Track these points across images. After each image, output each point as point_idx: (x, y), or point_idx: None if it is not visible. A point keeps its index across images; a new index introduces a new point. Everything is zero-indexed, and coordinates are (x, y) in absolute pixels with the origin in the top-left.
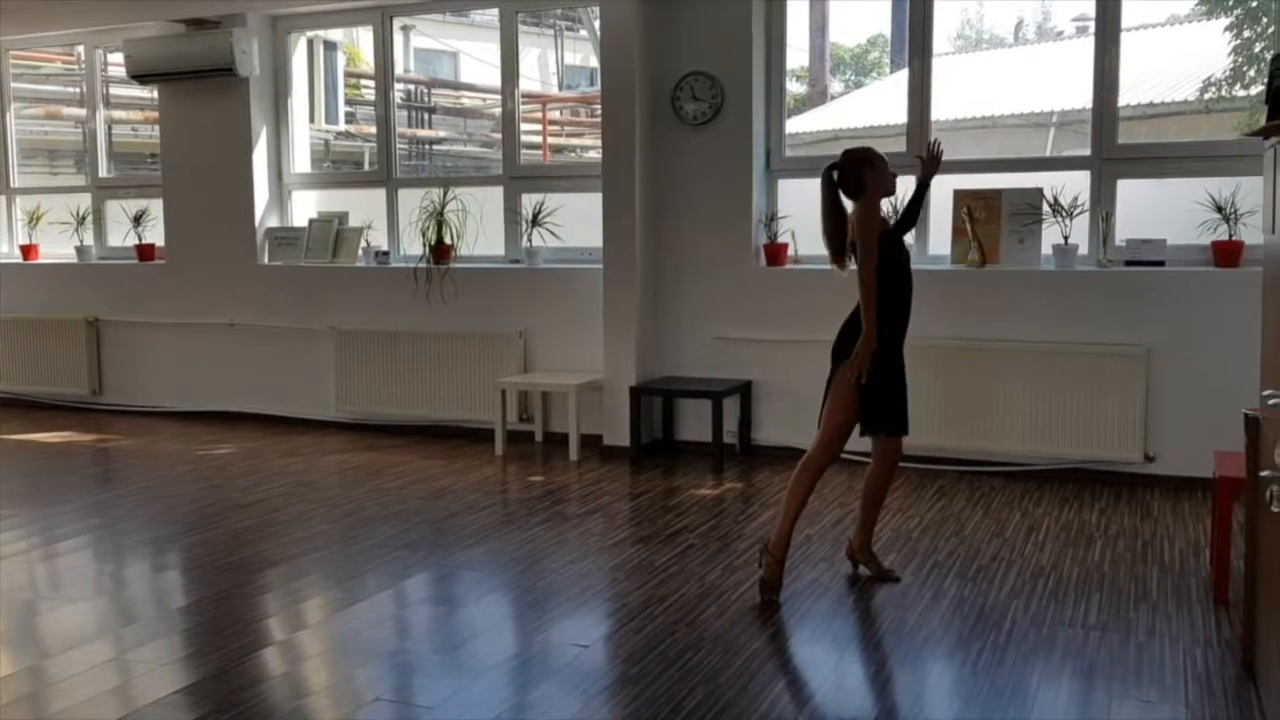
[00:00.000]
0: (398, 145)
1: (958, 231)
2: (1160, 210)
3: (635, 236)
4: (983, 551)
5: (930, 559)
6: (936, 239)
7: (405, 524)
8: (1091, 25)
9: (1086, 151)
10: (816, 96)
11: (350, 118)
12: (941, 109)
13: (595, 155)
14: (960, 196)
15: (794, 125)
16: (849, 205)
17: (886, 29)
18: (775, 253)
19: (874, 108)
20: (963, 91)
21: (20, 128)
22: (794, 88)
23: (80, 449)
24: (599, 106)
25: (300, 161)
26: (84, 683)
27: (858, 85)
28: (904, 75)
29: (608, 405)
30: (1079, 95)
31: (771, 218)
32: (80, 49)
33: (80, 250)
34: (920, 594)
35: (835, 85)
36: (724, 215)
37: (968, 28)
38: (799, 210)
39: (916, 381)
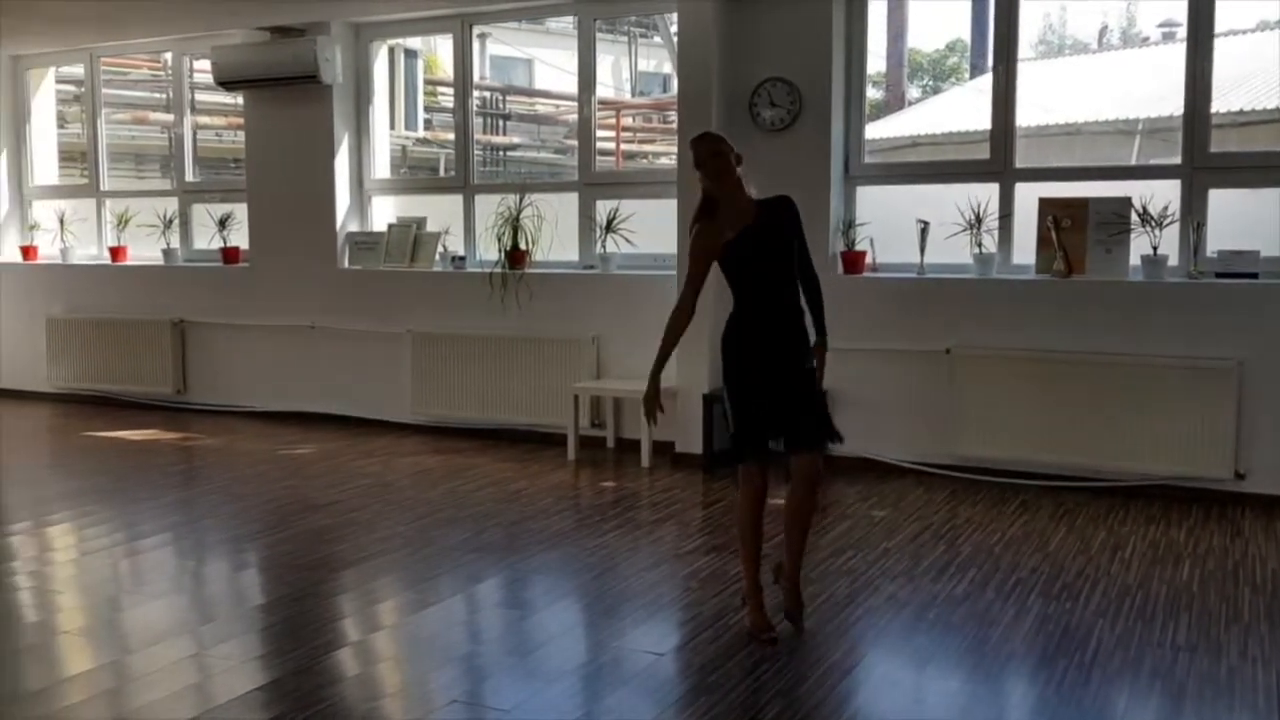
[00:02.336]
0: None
1: (1042, 240)
2: (1254, 221)
3: None
4: (1067, 569)
5: (1013, 575)
6: (1021, 248)
7: (479, 527)
8: (1179, 31)
9: (1176, 160)
10: (894, 102)
11: (427, 124)
12: (1024, 115)
13: (667, 162)
14: (1045, 205)
15: (871, 131)
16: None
17: (966, 34)
18: (853, 260)
19: (953, 113)
20: (1046, 98)
21: (109, 132)
22: (870, 93)
23: (164, 447)
24: (672, 113)
25: (380, 167)
26: (163, 679)
27: (935, 91)
28: (984, 81)
29: (680, 412)
30: (1166, 102)
31: (849, 225)
32: (168, 56)
33: (167, 253)
34: (1003, 610)
35: (913, 91)
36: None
37: (1050, 33)
38: (878, 217)
39: (998, 392)
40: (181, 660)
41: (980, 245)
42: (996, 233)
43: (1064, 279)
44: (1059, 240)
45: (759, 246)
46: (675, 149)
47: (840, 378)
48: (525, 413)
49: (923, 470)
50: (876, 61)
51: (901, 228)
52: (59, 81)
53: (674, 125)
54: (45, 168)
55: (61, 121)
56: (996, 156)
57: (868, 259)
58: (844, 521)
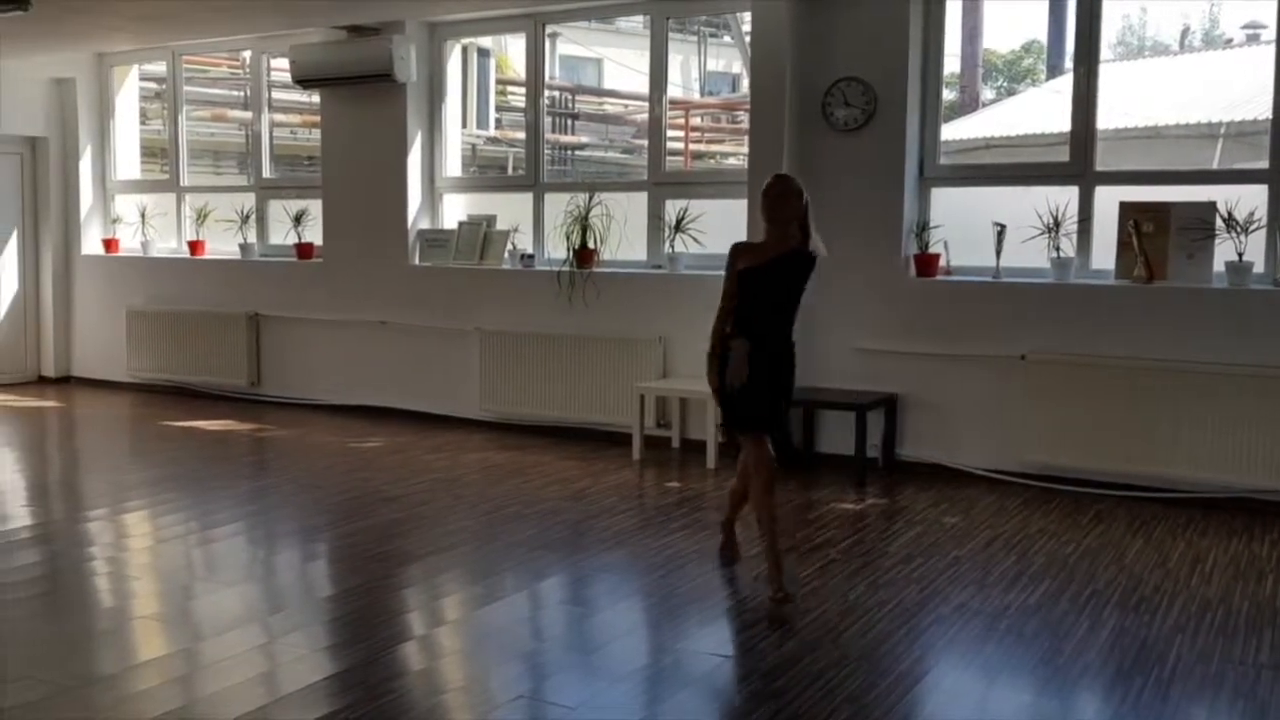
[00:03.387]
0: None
1: (1123, 245)
2: None
3: None
4: (1144, 581)
5: (1088, 587)
6: (1100, 252)
7: (544, 524)
8: (1264, 33)
9: (1263, 164)
10: (968, 103)
11: (497, 123)
12: (1104, 118)
13: (735, 162)
14: (1126, 209)
15: (944, 133)
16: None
17: (1042, 35)
18: (926, 263)
19: (1028, 115)
20: (1126, 100)
21: (189, 129)
22: (944, 94)
23: (238, 438)
24: (740, 113)
25: (451, 165)
26: (234, 667)
27: (1010, 92)
28: (1061, 82)
29: None
30: (1252, 105)
31: (923, 227)
32: (247, 54)
33: (243, 247)
34: (1077, 623)
35: (987, 92)
36: (873, 224)
37: (1129, 34)
38: (952, 220)
39: (1074, 399)
40: (251, 649)
41: (1058, 249)
42: (1075, 237)
43: (1145, 285)
44: (1140, 245)
45: (783, 275)
46: (745, 149)
47: (911, 382)
48: (591, 411)
49: (995, 477)
50: (950, 62)
51: (976, 231)
52: (142, 79)
53: (742, 125)
54: (128, 163)
55: (144, 118)
56: (1076, 159)
57: (941, 262)
58: (914, 528)
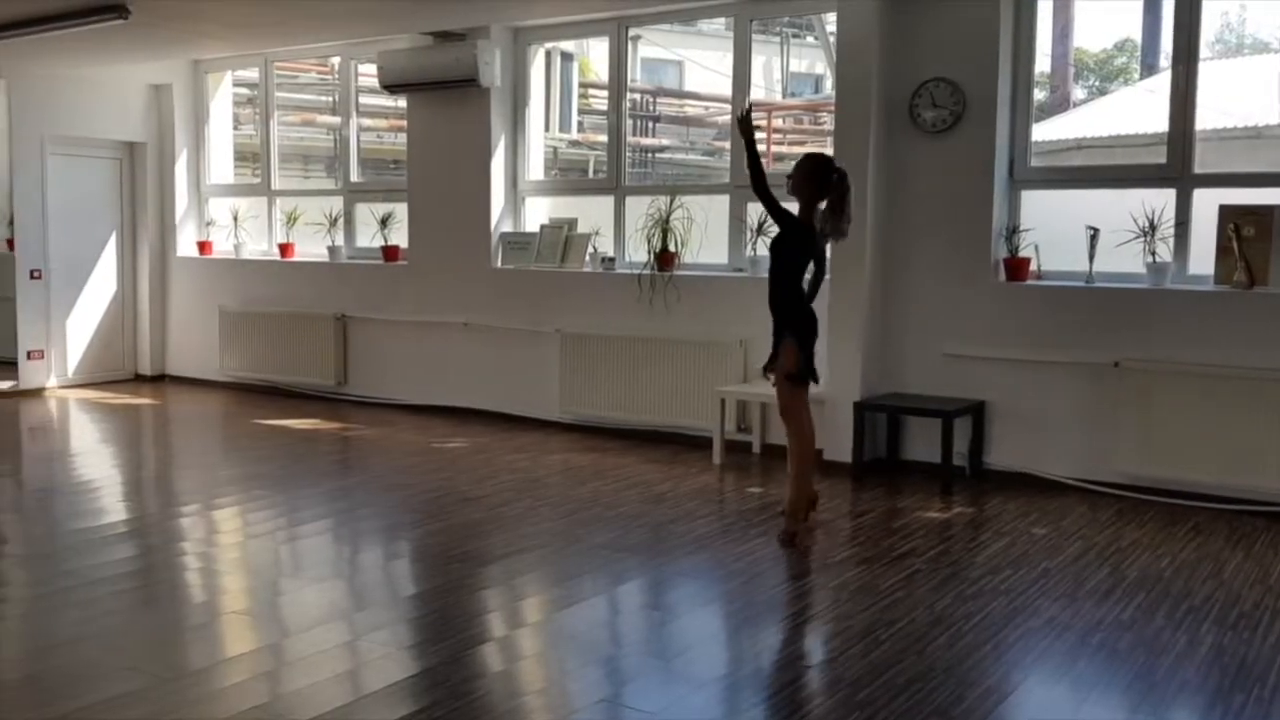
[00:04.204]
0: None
1: (1223, 250)
2: None
3: (865, 247)
4: (1244, 598)
5: (1184, 602)
6: (1198, 257)
7: (624, 527)
8: None
9: None
10: (1058, 103)
11: (579, 126)
12: (1202, 118)
13: None
14: (1226, 212)
15: (1034, 133)
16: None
17: (1136, 33)
18: (1016, 267)
19: (1121, 115)
20: (1225, 99)
21: (279, 134)
22: (1034, 94)
23: (325, 436)
24: (823, 114)
25: (534, 168)
26: (319, 664)
27: (1102, 92)
28: (1155, 81)
29: (829, 420)
30: None
31: (1013, 230)
32: (336, 60)
33: (331, 250)
34: (1173, 639)
35: (1078, 92)
36: (961, 227)
37: (1227, 31)
38: (1044, 223)
39: (1169, 408)
40: (336, 646)
41: (1154, 253)
42: (1172, 241)
43: (1245, 290)
44: (1241, 250)
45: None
46: (830, 151)
47: (1000, 389)
48: (671, 415)
49: (1086, 487)
50: (1040, 61)
51: (1068, 234)
52: (235, 85)
53: (825, 127)
54: (221, 167)
55: (236, 123)
56: (1174, 161)
57: (1032, 266)
58: (1002, 538)
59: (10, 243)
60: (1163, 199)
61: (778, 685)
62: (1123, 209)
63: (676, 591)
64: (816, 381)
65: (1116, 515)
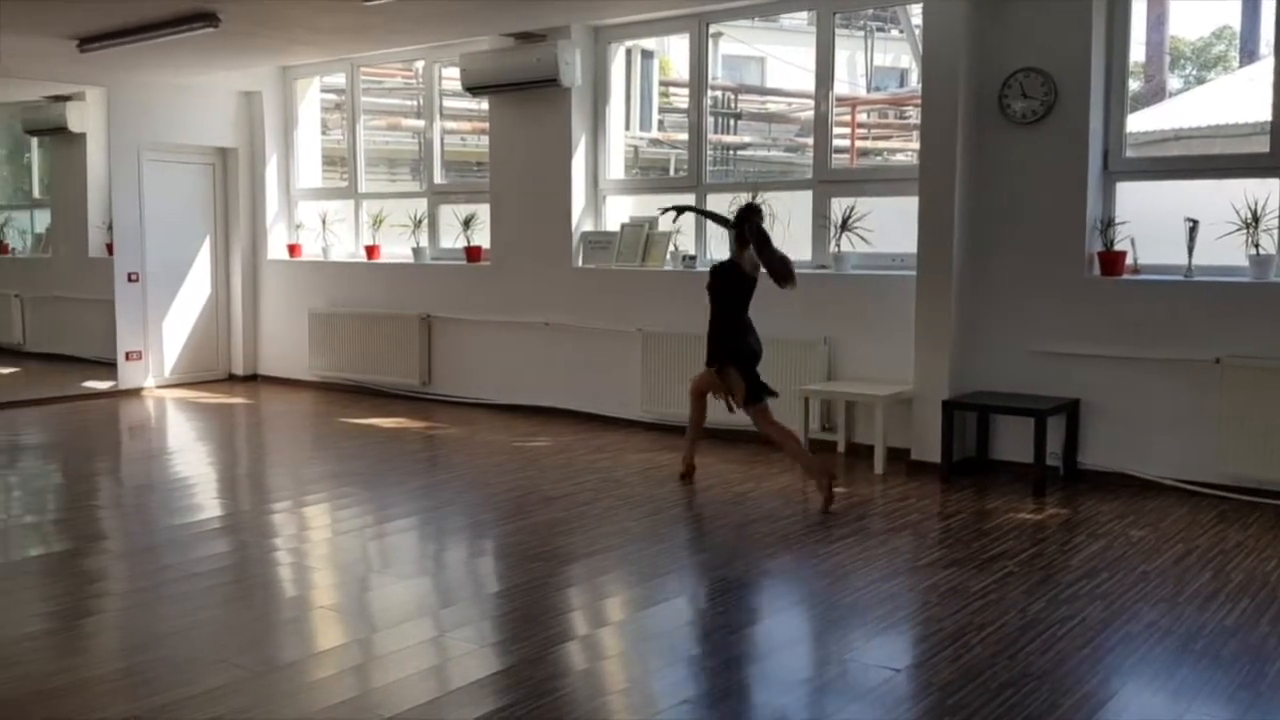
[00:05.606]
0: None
1: None
2: None
3: (953, 242)
4: None
5: None
6: None
7: (706, 527)
8: None
9: None
10: (1153, 93)
11: (659, 124)
12: None
13: (902, 158)
14: None
15: (1129, 124)
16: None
17: (1234, 20)
18: (1111, 261)
19: (1220, 104)
20: None
21: (365, 138)
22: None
23: (411, 435)
24: (908, 108)
25: (614, 167)
26: (405, 659)
27: (1199, 81)
28: (1256, 69)
29: (917, 418)
30: None
31: (1108, 224)
32: (420, 64)
33: (416, 251)
34: None
35: (1174, 81)
36: (1052, 220)
37: None
38: (1140, 216)
39: (1274, 405)
40: (422, 642)
41: (1257, 246)
42: (1276, 233)
43: None
44: None
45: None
46: (914, 145)
47: (1095, 387)
48: None
49: (1186, 488)
50: (1135, 50)
51: (1165, 227)
52: (322, 90)
53: (911, 121)
54: (309, 171)
55: (324, 128)
56: (1277, 150)
57: (1128, 260)
58: (1098, 540)
59: (110, 247)
60: (1266, 190)
61: (865, 689)
62: (1223, 200)
63: (760, 593)
64: (775, 395)
65: (1219, 517)
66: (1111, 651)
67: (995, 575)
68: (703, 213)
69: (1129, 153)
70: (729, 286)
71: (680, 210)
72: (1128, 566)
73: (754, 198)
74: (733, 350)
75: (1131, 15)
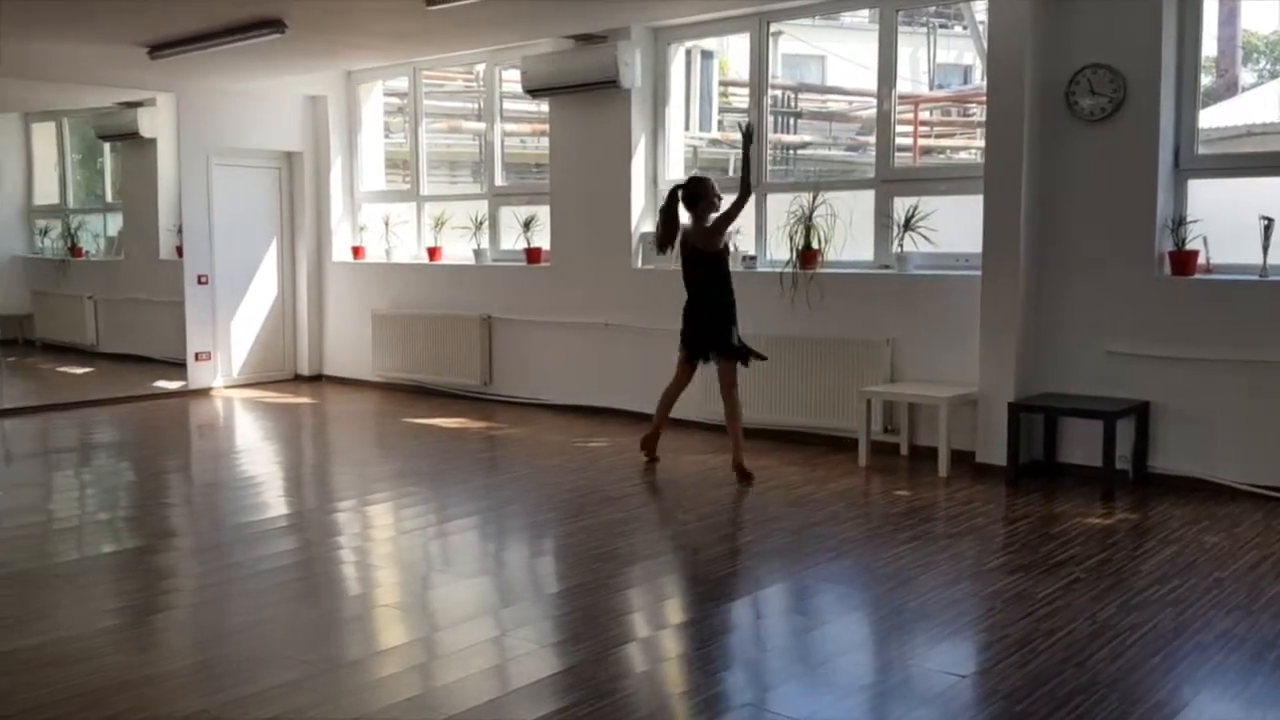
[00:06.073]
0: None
1: None
2: None
3: (1019, 241)
4: None
5: None
6: None
7: (766, 530)
8: None
9: None
10: (1225, 88)
11: (718, 124)
12: None
13: (966, 156)
14: None
15: (1201, 120)
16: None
17: None
18: (1183, 261)
19: None
20: None
21: (427, 140)
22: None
23: (472, 435)
24: (972, 106)
25: (674, 168)
26: (467, 658)
27: (1273, 75)
28: None
29: (982, 421)
30: None
31: (1179, 222)
32: (481, 68)
33: (477, 253)
34: None
35: (1247, 76)
36: (1122, 219)
37: None
38: (1213, 214)
39: None
40: (484, 641)
41: None
42: None
43: None
44: None
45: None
46: (978, 143)
47: (1166, 389)
48: (814, 415)
49: (1262, 493)
50: (1206, 44)
51: (1239, 225)
52: (385, 94)
53: (975, 118)
54: (373, 174)
55: (387, 131)
56: None
57: (1200, 259)
58: (1169, 546)
59: (180, 250)
60: None
61: (929, 695)
62: None
63: (821, 596)
64: (762, 357)
65: None
66: (1184, 660)
67: (1062, 581)
68: (747, 159)
69: (1200, 149)
70: (685, 260)
71: (748, 140)
72: (1200, 573)
73: (815, 198)
74: (716, 337)
75: (1203, 9)
